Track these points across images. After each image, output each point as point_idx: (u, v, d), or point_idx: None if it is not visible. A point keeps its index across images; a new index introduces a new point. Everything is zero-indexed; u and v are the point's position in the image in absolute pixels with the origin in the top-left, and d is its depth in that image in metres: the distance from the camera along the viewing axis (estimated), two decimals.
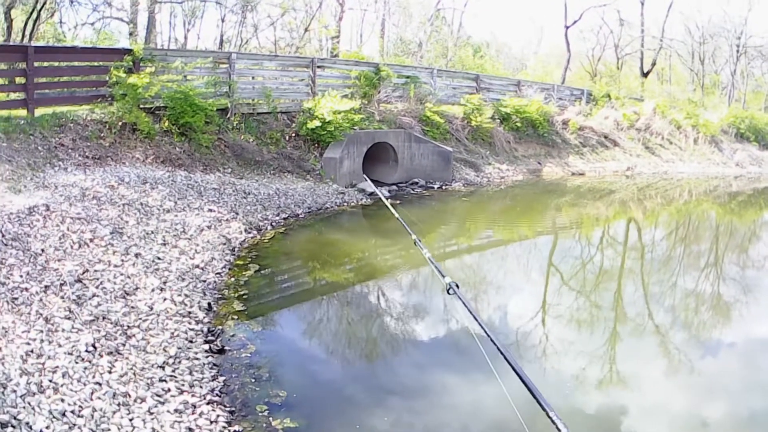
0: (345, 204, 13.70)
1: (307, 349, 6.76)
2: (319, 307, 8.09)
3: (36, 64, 12.01)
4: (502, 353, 3.83)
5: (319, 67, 17.49)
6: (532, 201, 18.52)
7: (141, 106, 12.83)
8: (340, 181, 14.84)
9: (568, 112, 26.97)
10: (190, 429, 4.15)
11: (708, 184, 27.74)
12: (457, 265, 11.13)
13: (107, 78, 12.71)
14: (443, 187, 17.53)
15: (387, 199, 14.58)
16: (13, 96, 12.12)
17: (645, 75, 40.76)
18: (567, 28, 35.97)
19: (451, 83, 22.82)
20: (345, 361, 6.65)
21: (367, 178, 15.06)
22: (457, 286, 4.82)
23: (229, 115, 14.72)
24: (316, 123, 15.29)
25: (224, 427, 4.35)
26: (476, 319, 4.35)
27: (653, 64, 42.04)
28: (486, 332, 4.22)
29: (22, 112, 11.43)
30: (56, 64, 13.38)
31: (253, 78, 16.25)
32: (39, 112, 11.58)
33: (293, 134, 15.61)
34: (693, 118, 33.08)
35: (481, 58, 39.34)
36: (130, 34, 24.22)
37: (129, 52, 13.45)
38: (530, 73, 40.98)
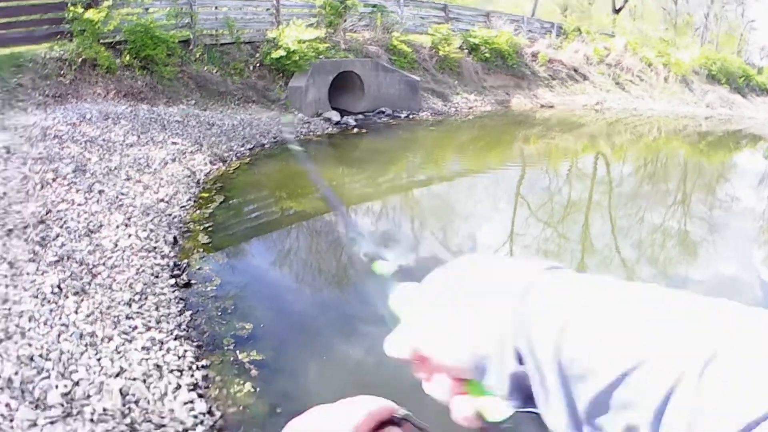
0: (311, 133, 13.62)
1: (274, 280, 6.72)
2: (287, 238, 8.07)
3: None
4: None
5: None
6: (500, 132, 18.54)
7: (101, 41, 12.46)
8: (306, 110, 14.67)
9: (537, 45, 26.78)
10: (158, 366, 4.14)
11: (678, 123, 27.96)
12: (424, 194, 11.19)
13: (65, 15, 12.33)
14: (410, 117, 17.47)
15: (353, 127, 14.66)
16: None
17: (617, 11, 40.48)
18: None
19: (419, 13, 22.43)
20: (314, 291, 6.62)
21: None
22: None
23: (191, 47, 14.37)
24: (281, 52, 15.07)
25: (192, 362, 4.35)
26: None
27: (626, 1, 41.80)
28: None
29: None
30: (13, 4, 12.96)
31: (215, 8, 15.77)
32: None
33: (257, 64, 15.35)
34: (665, 57, 33.09)
35: None
36: None
37: None
38: (500, 5, 40.50)
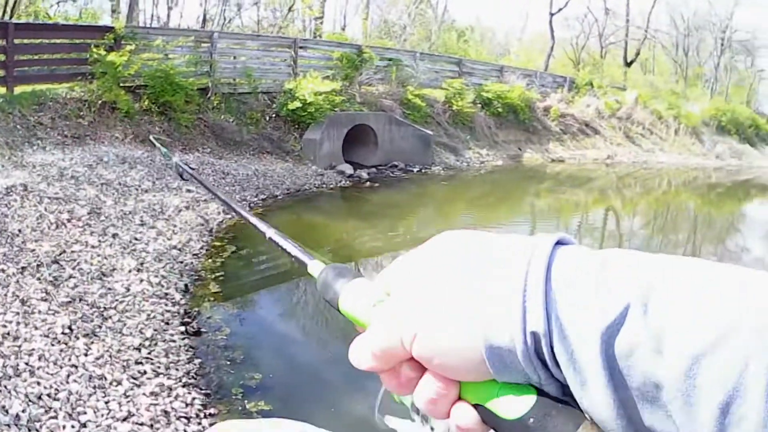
0: (324, 185, 13.66)
1: (283, 331, 6.72)
2: (297, 289, 8.05)
3: (16, 41, 11.95)
4: None
5: (301, 47, 17.49)
6: (512, 187, 18.60)
7: (121, 84, 12.73)
8: (320, 162, 14.77)
9: (549, 99, 27.00)
10: (165, 412, 4.15)
11: (687, 175, 27.94)
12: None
13: (87, 56, 12.63)
14: (423, 171, 17.52)
15: (366, 181, 14.77)
16: None
17: (628, 65, 40.98)
18: (552, 15, 35.89)
19: (433, 67, 22.79)
20: (322, 344, 6.60)
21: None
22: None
23: (209, 95, 14.64)
24: (297, 104, 15.21)
25: (200, 410, 4.37)
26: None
27: (637, 54, 42.27)
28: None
29: (1, 90, 11.32)
30: (37, 41, 13.27)
31: (234, 58, 16.19)
32: (18, 90, 11.51)
33: (273, 115, 15.55)
34: (675, 109, 33.24)
35: (465, 42, 39.36)
36: (113, 11, 23.89)
37: (110, 29, 13.45)
38: (513, 59, 40.99)
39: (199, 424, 4.21)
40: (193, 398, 4.47)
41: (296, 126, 15.51)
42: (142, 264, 6.81)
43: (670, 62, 50.33)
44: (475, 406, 0.51)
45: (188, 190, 10.18)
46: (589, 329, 0.44)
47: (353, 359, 0.57)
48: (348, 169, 15.05)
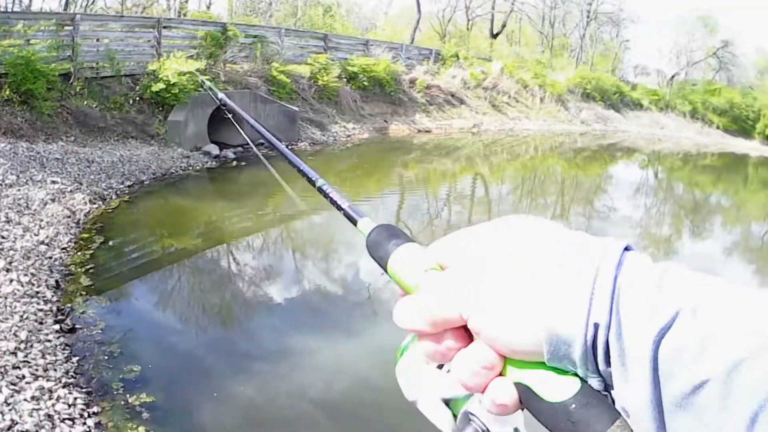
0: (190, 168, 13.64)
1: (160, 320, 6.73)
2: (170, 276, 8.13)
3: None
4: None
5: (165, 27, 17.30)
6: (379, 159, 19.18)
7: None
8: (186, 144, 14.70)
9: (415, 72, 27.73)
10: (49, 416, 4.14)
11: (554, 141, 29.35)
12: (305, 226, 11.49)
13: None
14: (289, 147, 16.78)
15: (232, 161, 14.97)
16: None
17: (494, 36, 42.23)
18: None
19: (299, 43, 22.99)
20: (200, 330, 6.66)
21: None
22: None
23: (72, 81, 14.29)
24: (161, 85, 15.03)
25: (83, 410, 4.36)
26: None
27: (503, 26, 43.60)
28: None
29: None
30: None
31: (97, 40, 15.76)
32: None
33: (137, 98, 15.32)
34: (540, 78, 34.89)
35: (331, 17, 39.38)
36: None
37: None
38: (380, 33, 41.41)
39: (84, 424, 4.25)
40: (75, 398, 4.48)
41: (161, 108, 15.32)
42: (10, 263, 6.74)
43: (536, 34, 52.02)
44: (516, 384, 0.53)
45: (53, 182, 10.10)
46: (643, 329, 0.46)
47: (399, 318, 0.60)
48: (214, 149, 15.04)
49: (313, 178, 1.07)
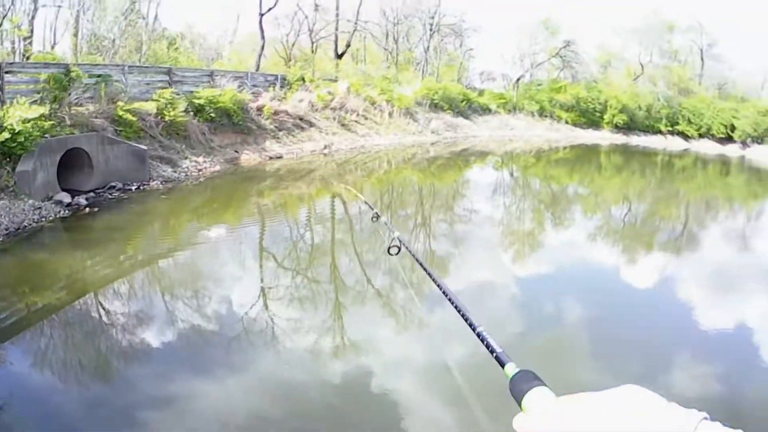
0: (43, 219, 13.23)
1: (38, 382, 6.54)
2: (41, 335, 7.91)
3: None
4: None
5: (7, 72, 16.75)
6: (233, 190, 19.33)
7: None
8: (36, 195, 14.20)
9: (262, 99, 28.04)
10: None
11: (405, 153, 30.54)
12: (169, 265, 11.55)
13: None
14: (141, 188, 17.33)
15: (85, 207, 14.74)
16: None
17: (339, 56, 43.08)
18: (262, 15, 36.72)
19: (143, 79, 22.85)
20: (82, 387, 6.55)
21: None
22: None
23: None
24: (6, 135, 14.30)
25: None
26: None
27: (348, 46, 44.56)
28: None
29: None
30: None
31: None
32: None
33: None
34: (387, 93, 36.07)
35: (176, 50, 39.15)
36: None
37: None
38: (226, 63, 41.37)
39: None
40: None
41: (8, 159, 14.63)
42: None
43: (381, 51, 53.44)
44: None
45: None
46: None
47: (518, 426, 0.85)
48: (66, 197, 14.71)
49: (474, 325, 1.22)
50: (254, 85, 28.98)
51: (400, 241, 3.21)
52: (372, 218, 4.68)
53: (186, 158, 20.93)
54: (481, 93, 49.65)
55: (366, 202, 5.59)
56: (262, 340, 8.14)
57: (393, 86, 38.64)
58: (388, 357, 7.81)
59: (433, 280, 1.73)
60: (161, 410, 6.07)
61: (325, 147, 28.82)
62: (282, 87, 31.28)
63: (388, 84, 38.70)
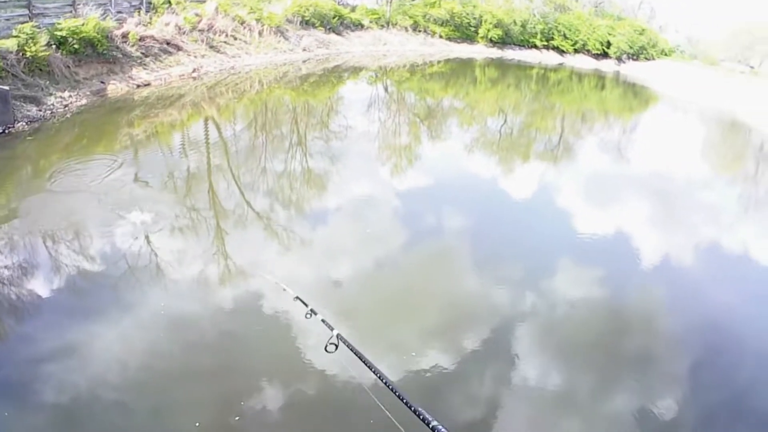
0: None
1: None
2: None
3: None
4: None
5: None
6: (102, 123, 18.99)
7: None
8: None
9: (127, 25, 27.46)
10: None
11: (277, 72, 30.77)
12: (44, 208, 11.24)
13: None
14: (6, 132, 16.82)
15: None
16: None
17: None
18: None
19: (3, 15, 22.05)
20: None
21: None
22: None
23: None
24: None
25: None
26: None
27: None
28: None
29: None
30: None
31: None
32: None
33: None
34: (257, 12, 35.77)
35: None
36: None
37: None
38: None
39: None
40: None
41: None
42: None
43: None
44: None
45: None
46: None
47: None
48: None
49: (428, 420, 1.21)
50: (119, 12, 28.41)
51: (338, 338, 3.13)
52: (306, 315, 4.29)
53: (51, 95, 20.48)
54: (353, 9, 49.94)
55: (298, 297, 5.00)
56: (148, 275, 8.45)
57: (263, 4, 38.46)
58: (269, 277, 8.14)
59: (380, 378, 1.82)
60: (62, 361, 6.24)
61: (194, 70, 28.64)
62: (147, 11, 30.72)
63: (258, 2, 38.46)
